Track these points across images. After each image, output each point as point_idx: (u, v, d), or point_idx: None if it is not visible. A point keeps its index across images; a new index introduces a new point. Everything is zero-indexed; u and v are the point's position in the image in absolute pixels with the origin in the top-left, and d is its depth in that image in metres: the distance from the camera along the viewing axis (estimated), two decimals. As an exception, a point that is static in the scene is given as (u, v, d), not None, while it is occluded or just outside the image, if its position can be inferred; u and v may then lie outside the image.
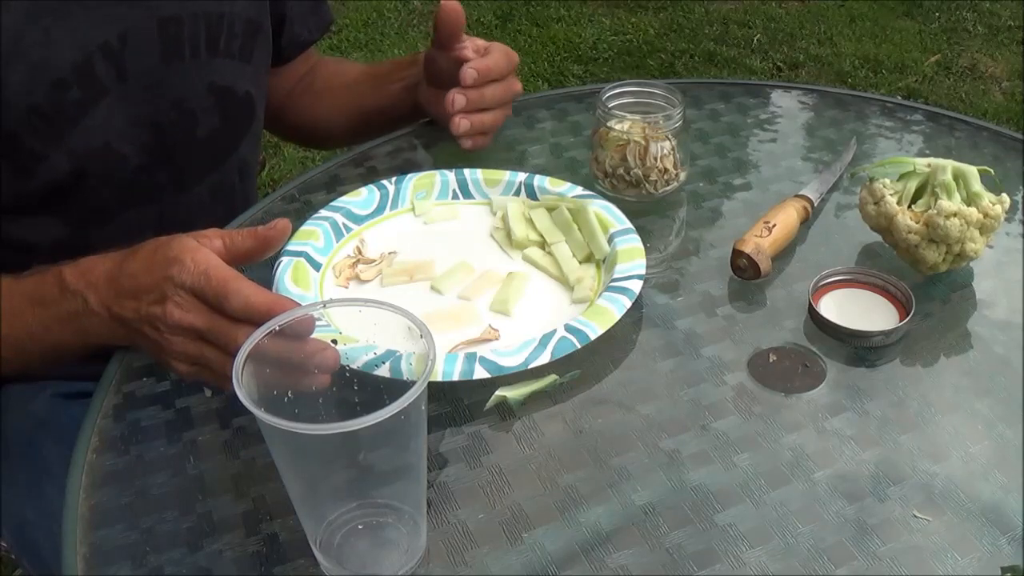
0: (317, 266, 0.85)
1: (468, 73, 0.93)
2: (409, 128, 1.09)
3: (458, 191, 0.95)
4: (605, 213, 0.88)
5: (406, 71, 1.08)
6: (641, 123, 0.92)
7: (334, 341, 0.64)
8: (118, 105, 0.88)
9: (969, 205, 0.80)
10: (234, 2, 0.95)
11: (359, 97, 1.14)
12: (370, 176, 0.99)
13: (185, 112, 0.94)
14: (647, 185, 0.93)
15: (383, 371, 0.64)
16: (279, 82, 1.13)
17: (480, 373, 0.73)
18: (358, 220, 0.91)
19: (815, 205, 0.92)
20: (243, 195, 1.06)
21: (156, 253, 0.70)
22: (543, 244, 0.88)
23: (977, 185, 0.82)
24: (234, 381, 0.55)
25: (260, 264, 0.87)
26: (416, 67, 1.05)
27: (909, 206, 0.83)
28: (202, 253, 0.68)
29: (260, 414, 0.54)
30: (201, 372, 0.70)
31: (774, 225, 0.86)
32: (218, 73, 0.95)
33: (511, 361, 0.73)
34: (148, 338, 0.70)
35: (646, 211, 0.93)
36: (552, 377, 0.74)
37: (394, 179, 0.94)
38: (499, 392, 0.73)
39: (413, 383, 0.55)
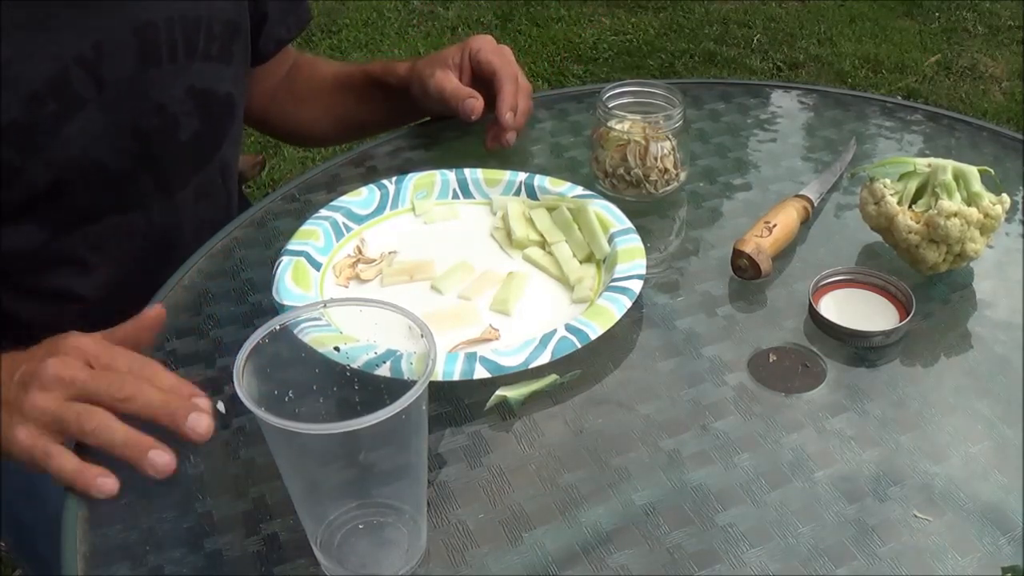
0: (317, 266, 0.85)
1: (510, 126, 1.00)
2: (409, 128, 1.09)
3: (458, 191, 0.95)
4: (605, 213, 0.88)
5: (381, 91, 1.09)
6: (641, 123, 0.92)
7: (336, 348, 0.64)
8: (97, 114, 0.87)
9: (969, 205, 0.80)
10: (212, 3, 0.94)
11: (339, 107, 1.15)
12: (370, 176, 0.99)
13: (166, 117, 0.93)
14: (647, 185, 0.93)
15: (383, 371, 0.64)
16: (260, 83, 1.12)
17: (480, 373, 0.73)
18: (358, 220, 0.91)
19: (815, 205, 0.92)
20: (226, 193, 1.06)
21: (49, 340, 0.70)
22: (543, 244, 0.88)
23: (977, 185, 0.82)
24: (234, 381, 0.55)
25: (259, 265, 0.87)
26: (389, 86, 1.08)
27: (909, 206, 0.83)
28: (97, 336, 0.70)
29: (260, 414, 0.54)
30: (46, 444, 0.66)
31: (774, 225, 0.86)
32: (197, 76, 0.94)
33: (511, 361, 0.73)
34: (5, 403, 0.67)
35: (646, 211, 0.93)
36: (552, 377, 0.74)
37: (394, 179, 0.94)
38: (499, 392, 0.73)
39: (414, 383, 0.55)
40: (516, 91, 1.00)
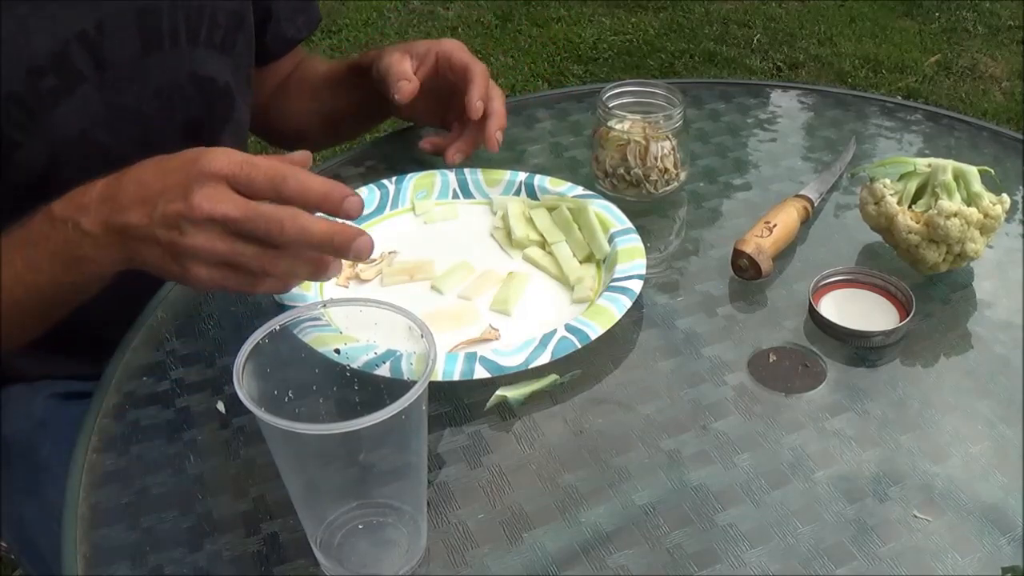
0: (317, 266, 0.85)
1: (496, 139, 0.94)
2: (408, 128, 1.09)
3: (458, 191, 0.95)
4: (605, 213, 0.88)
5: (361, 79, 1.06)
6: (641, 123, 0.92)
7: (336, 350, 0.64)
8: (96, 94, 0.87)
9: (969, 205, 0.80)
10: None
11: (324, 102, 1.13)
12: (370, 175, 0.99)
13: (165, 102, 0.93)
14: (647, 185, 0.93)
15: (383, 371, 0.64)
16: (265, 79, 1.12)
17: (480, 373, 0.73)
18: (358, 220, 0.90)
19: (815, 205, 0.92)
20: None
21: (174, 158, 0.67)
22: (543, 244, 0.88)
23: (977, 185, 0.82)
24: (234, 381, 0.55)
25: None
26: (365, 72, 1.03)
27: (909, 206, 0.83)
28: (236, 151, 0.66)
29: (260, 414, 0.54)
30: (226, 277, 0.65)
31: (775, 225, 0.86)
32: (199, 63, 0.94)
33: (511, 361, 0.73)
34: (159, 244, 0.65)
35: (646, 211, 0.93)
36: (552, 377, 0.74)
37: (394, 179, 0.94)
38: (499, 392, 0.73)
39: (413, 383, 0.55)
40: (487, 86, 0.95)
